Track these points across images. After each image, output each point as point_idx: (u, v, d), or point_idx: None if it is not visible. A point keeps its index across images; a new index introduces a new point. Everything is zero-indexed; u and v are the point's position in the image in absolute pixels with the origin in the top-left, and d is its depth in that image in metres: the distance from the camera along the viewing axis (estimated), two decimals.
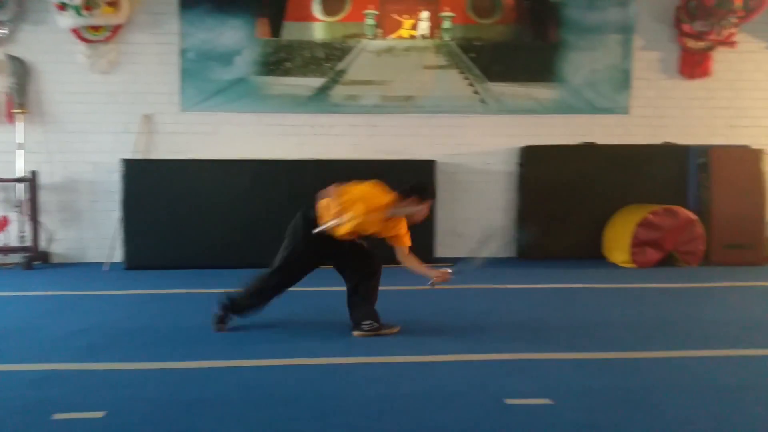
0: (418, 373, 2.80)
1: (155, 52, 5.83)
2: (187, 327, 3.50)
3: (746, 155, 5.82)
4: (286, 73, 5.88)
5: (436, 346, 3.17)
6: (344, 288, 3.48)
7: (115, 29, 5.66)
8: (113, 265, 5.44)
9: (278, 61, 5.86)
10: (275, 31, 5.84)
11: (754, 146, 5.85)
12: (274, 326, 3.54)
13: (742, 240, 5.67)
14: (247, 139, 5.92)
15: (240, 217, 5.46)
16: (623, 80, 5.95)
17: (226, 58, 5.80)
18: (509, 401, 2.45)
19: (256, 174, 5.47)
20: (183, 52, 5.79)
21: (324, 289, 4.32)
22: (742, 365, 2.91)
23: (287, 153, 5.87)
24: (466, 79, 5.92)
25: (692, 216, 5.45)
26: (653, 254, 5.43)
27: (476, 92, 5.95)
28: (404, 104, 5.96)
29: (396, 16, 5.89)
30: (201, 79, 5.80)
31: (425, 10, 5.88)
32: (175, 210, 5.41)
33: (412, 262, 3.40)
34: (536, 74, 5.95)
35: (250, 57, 5.83)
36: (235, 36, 5.79)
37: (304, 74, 5.89)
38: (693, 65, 5.95)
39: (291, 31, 5.86)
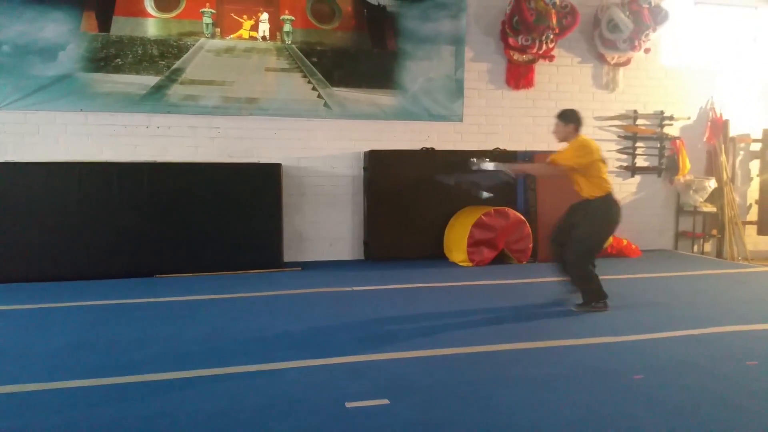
0: (260, 384, 3.04)
1: None
2: (6, 347, 3.68)
3: None
4: (117, 70, 6.24)
5: (277, 353, 3.50)
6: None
7: None
8: None
9: (108, 57, 6.21)
10: (104, 25, 6.22)
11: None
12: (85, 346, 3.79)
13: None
14: (73, 140, 6.25)
15: (64, 226, 5.73)
16: (457, 89, 7.07)
17: (48, 52, 6.08)
18: (349, 404, 2.75)
19: (83, 178, 5.76)
20: None
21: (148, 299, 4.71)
22: (562, 355, 3.51)
23: (119, 155, 6.23)
24: (309, 83, 6.64)
25: (521, 216, 6.58)
26: (488, 253, 6.48)
27: (320, 96, 6.69)
28: (247, 106, 6.53)
29: (235, 16, 6.43)
30: (18, 76, 6.03)
31: (265, 11, 6.53)
32: None
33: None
34: (377, 81, 6.92)
35: (75, 52, 6.16)
36: (58, 29, 6.09)
37: (137, 72, 6.28)
38: (518, 76, 7.21)
39: (121, 26, 6.27)
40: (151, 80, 6.35)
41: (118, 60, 6.27)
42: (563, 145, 4.81)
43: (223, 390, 2.96)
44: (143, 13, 6.30)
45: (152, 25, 6.35)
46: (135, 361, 3.39)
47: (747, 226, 8.15)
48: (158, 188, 5.95)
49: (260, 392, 2.92)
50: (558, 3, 6.92)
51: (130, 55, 6.29)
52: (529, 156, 7.04)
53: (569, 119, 4.67)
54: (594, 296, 4.60)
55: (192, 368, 3.25)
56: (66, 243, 5.70)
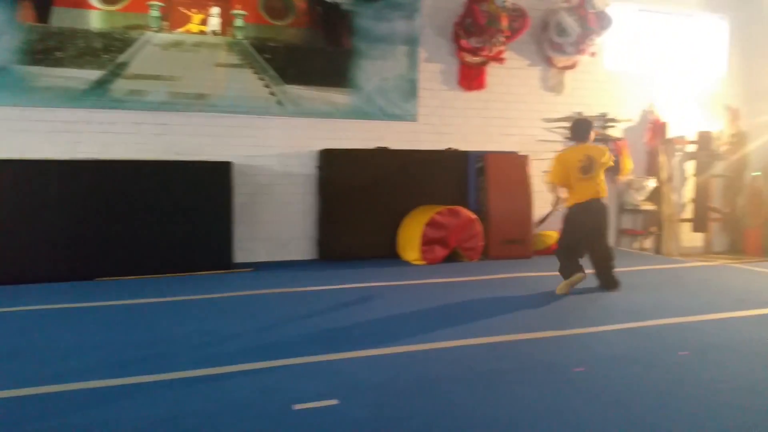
0: (206, 389, 2.98)
1: None
2: None
3: (516, 160, 7.32)
4: (57, 63, 6.01)
5: (224, 357, 3.44)
6: None
7: None
8: None
9: (46, 49, 5.98)
10: (42, 16, 5.96)
11: (522, 153, 7.34)
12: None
13: (515, 236, 7.08)
14: (9, 136, 5.96)
15: (1, 226, 5.46)
16: (411, 89, 7.18)
17: None
18: (297, 406, 2.73)
19: (19, 176, 5.51)
20: None
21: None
22: (508, 350, 3.60)
23: (59, 153, 6.02)
24: (262, 79, 6.57)
25: (472, 215, 6.77)
26: (440, 251, 6.61)
27: (272, 93, 6.62)
28: (196, 102, 6.42)
29: (184, 10, 6.30)
30: None
31: (215, 5, 6.44)
32: None
33: None
34: (331, 79, 6.93)
35: (11, 44, 5.88)
36: None
37: (79, 66, 6.06)
38: (470, 78, 7.38)
39: (62, 18, 6.02)
40: (94, 74, 6.11)
41: (59, 53, 6.00)
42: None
43: (167, 396, 2.89)
44: (86, 5, 6.05)
45: (96, 17, 6.10)
46: (73, 369, 3.26)
47: (683, 224, 8.64)
48: (101, 187, 5.74)
49: (206, 397, 2.87)
50: (509, 6, 7.10)
51: (72, 48, 6.04)
52: (480, 156, 7.21)
53: (569, 133, 5.39)
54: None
55: (134, 375, 3.16)
56: (1, 245, 5.43)
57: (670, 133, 8.44)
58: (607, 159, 5.16)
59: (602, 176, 5.15)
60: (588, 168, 5.07)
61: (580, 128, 5.25)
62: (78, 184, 5.66)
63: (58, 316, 4.41)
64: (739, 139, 8.63)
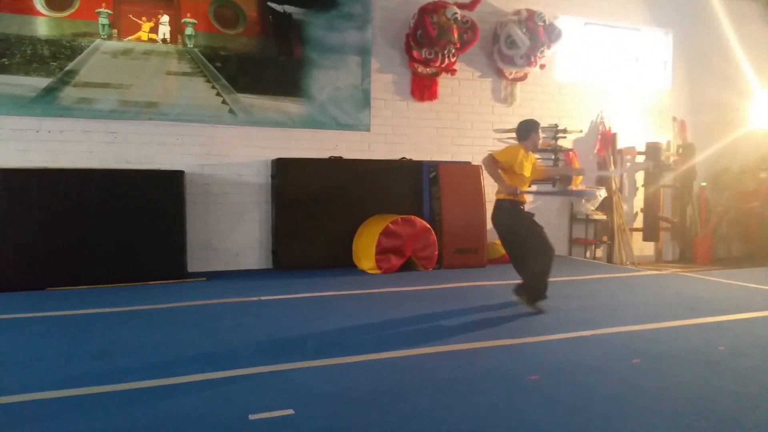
0: (159, 399, 2.97)
1: None
2: None
3: (468, 170, 7.48)
4: (4, 70, 6.03)
5: (177, 368, 3.42)
6: None
7: None
8: None
9: None
10: None
11: (475, 163, 7.52)
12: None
13: (468, 245, 7.20)
14: None
15: None
16: (364, 99, 7.33)
17: None
18: (253, 417, 2.73)
19: None
20: None
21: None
22: (464, 359, 3.67)
23: (6, 161, 6.01)
24: (213, 88, 6.64)
25: (427, 224, 6.83)
26: (396, 260, 6.70)
27: (225, 102, 6.69)
28: (146, 110, 6.45)
29: (133, 18, 6.34)
30: None
31: (165, 13, 6.48)
32: None
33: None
34: (284, 88, 7.03)
35: None
36: None
37: (26, 73, 6.06)
38: (422, 89, 7.57)
39: (7, 24, 6.02)
40: (42, 82, 6.11)
41: (4, 59, 5.98)
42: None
43: (119, 408, 2.87)
44: (32, 11, 6.05)
45: (43, 24, 6.11)
46: (21, 381, 3.24)
47: (634, 233, 8.92)
48: (50, 196, 5.72)
49: (158, 408, 2.86)
50: (459, 18, 7.32)
51: (18, 55, 6.03)
52: (434, 166, 7.36)
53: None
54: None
55: (84, 386, 3.14)
56: None
57: (620, 143, 8.75)
58: (517, 163, 4.87)
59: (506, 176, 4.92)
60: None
61: (519, 128, 5.11)
62: (27, 192, 5.62)
63: (7, 327, 4.37)
64: (686, 150, 8.98)
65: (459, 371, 3.44)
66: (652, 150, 8.71)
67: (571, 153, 8.43)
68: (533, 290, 4.88)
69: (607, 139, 8.67)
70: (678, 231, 9.09)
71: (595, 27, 8.76)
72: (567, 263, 7.87)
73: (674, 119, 9.13)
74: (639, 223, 9.01)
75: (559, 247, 8.45)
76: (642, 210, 8.97)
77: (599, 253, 8.79)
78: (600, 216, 8.45)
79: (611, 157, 8.64)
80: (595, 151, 8.69)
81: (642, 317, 4.80)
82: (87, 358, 3.66)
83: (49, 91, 6.15)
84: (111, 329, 4.33)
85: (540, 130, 5.11)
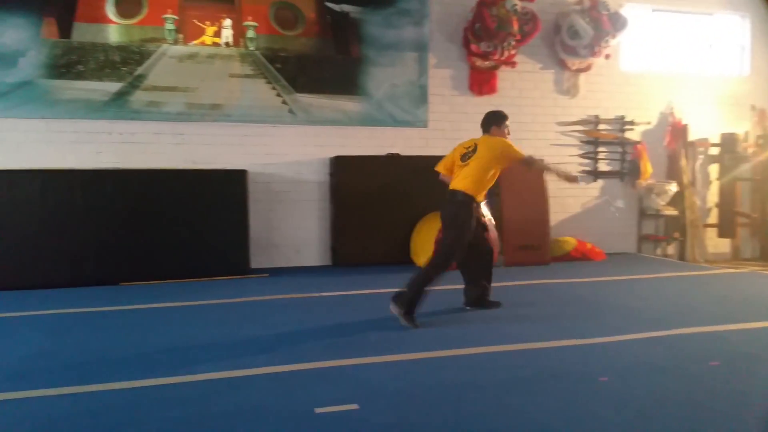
0: (228, 391, 3.10)
1: None
2: None
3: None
4: (79, 76, 6.39)
5: (245, 360, 3.57)
6: None
7: None
8: None
9: (69, 63, 6.37)
10: (64, 31, 6.36)
11: (536, 157, 7.42)
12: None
13: (531, 241, 7.16)
14: (35, 147, 6.37)
15: (26, 234, 5.82)
16: (421, 95, 7.38)
17: (8, 59, 6.22)
18: (318, 410, 2.81)
19: (45, 185, 5.87)
20: None
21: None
22: (529, 359, 3.62)
23: (82, 162, 6.38)
24: (274, 89, 6.89)
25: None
26: None
27: (284, 102, 6.93)
28: (211, 112, 6.74)
29: (198, 22, 6.66)
30: None
31: (228, 17, 6.75)
32: None
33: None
34: (341, 87, 7.19)
35: (36, 59, 6.30)
36: (17, 36, 6.23)
37: (99, 78, 6.44)
38: (481, 82, 7.56)
39: (82, 33, 6.43)
40: (114, 87, 6.51)
41: (80, 66, 6.41)
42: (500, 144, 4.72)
43: (191, 397, 3.02)
44: (105, 19, 6.46)
45: (114, 31, 6.51)
46: (101, 370, 3.45)
47: (708, 229, 8.58)
48: (122, 195, 6.10)
49: (228, 399, 2.98)
50: (519, 10, 7.27)
51: (92, 62, 6.45)
52: None
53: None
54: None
55: (159, 376, 3.31)
56: (29, 251, 5.79)
57: (692, 135, 8.44)
58: (500, 153, 4.53)
59: (477, 169, 4.47)
60: (466, 156, 4.58)
61: (485, 119, 4.86)
62: (100, 192, 6.01)
63: (85, 319, 4.70)
64: (766, 141, 8.56)
65: (524, 371, 3.41)
66: (728, 141, 8.36)
67: (639, 146, 8.21)
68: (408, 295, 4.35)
69: (678, 131, 8.37)
70: (758, 227, 8.66)
71: (664, 13, 8.47)
72: (635, 261, 7.70)
73: (753, 108, 8.71)
74: (713, 218, 8.65)
75: (628, 243, 8.31)
76: (717, 205, 8.61)
77: (670, 250, 8.51)
78: (671, 211, 8.19)
79: (683, 150, 8.34)
80: (665, 144, 8.42)
81: (719, 317, 4.62)
82: (160, 349, 3.89)
83: (121, 95, 6.54)
84: (181, 323, 4.59)
85: None
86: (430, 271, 4.42)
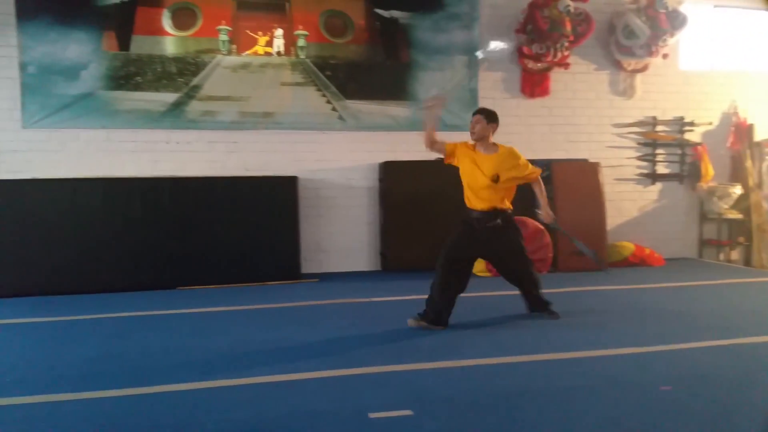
0: (283, 394, 3.18)
1: None
2: (36, 359, 3.91)
3: (585, 168, 7.30)
4: (137, 87, 6.64)
5: (298, 364, 3.65)
6: None
7: None
8: None
9: (128, 75, 6.61)
10: (123, 44, 6.62)
11: (591, 160, 7.31)
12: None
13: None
14: (97, 156, 6.65)
15: (88, 240, 6.09)
16: (471, 99, 7.34)
17: (71, 72, 6.50)
18: (372, 415, 2.84)
19: (106, 193, 6.14)
20: (22, 66, 6.37)
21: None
22: (586, 367, 3.58)
23: (140, 170, 6.63)
24: (324, 96, 6.99)
25: (540, 226, 6.73)
26: None
27: (334, 109, 7.02)
28: (263, 120, 6.88)
29: (250, 33, 6.82)
30: (44, 94, 6.45)
31: (279, 27, 6.89)
32: (15, 233, 5.93)
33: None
34: (390, 93, 7.23)
35: (97, 71, 6.57)
36: (80, 49, 6.50)
37: (157, 89, 6.66)
38: (533, 85, 7.46)
39: (140, 45, 6.66)
40: (171, 97, 6.74)
41: (138, 78, 6.68)
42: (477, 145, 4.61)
43: (247, 400, 3.11)
44: (161, 32, 6.70)
45: (170, 43, 6.75)
46: (161, 372, 3.58)
47: None
48: (179, 202, 6.31)
49: (283, 402, 3.05)
50: (572, 10, 7.15)
51: (150, 73, 6.70)
52: (547, 165, 7.23)
53: (494, 119, 4.52)
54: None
55: (216, 378, 3.42)
56: (91, 257, 6.05)
57: (758, 135, 8.10)
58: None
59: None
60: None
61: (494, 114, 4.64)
62: (158, 200, 6.23)
63: (145, 323, 4.88)
64: None
65: (581, 379, 3.37)
66: None
67: (699, 147, 7.94)
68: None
69: (742, 131, 8.05)
70: None
71: (727, 9, 8.17)
72: (697, 266, 7.45)
73: None
74: None
75: (688, 248, 8.04)
76: None
77: (734, 255, 8.18)
78: (735, 215, 7.88)
79: (747, 151, 8.02)
80: (728, 145, 8.11)
81: None
82: (217, 352, 4.01)
83: (177, 105, 6.77)
84: (235, 326, 4.71)
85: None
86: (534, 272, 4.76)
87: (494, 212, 4.46)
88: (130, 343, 4.27)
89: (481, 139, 4.51)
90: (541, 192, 4.72)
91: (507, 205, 4.57)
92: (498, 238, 4.52)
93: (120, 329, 4.66)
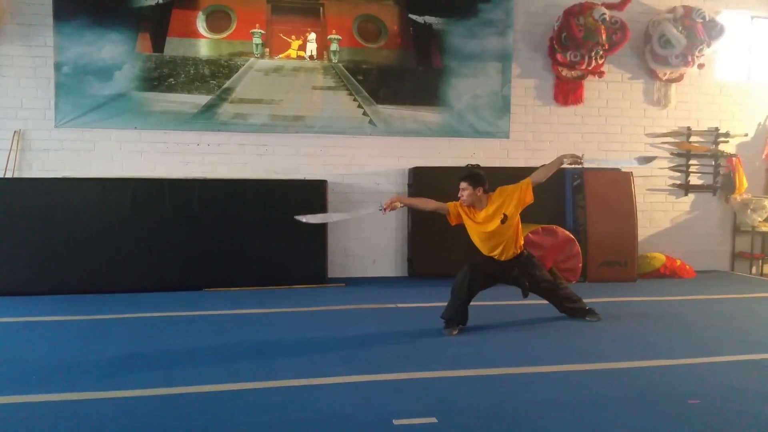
0: (308, 398, 3.20)
1: (28, 65, 6.51)
2: (62, 357, 3.96)
3: (617, 177, 7.27)
4: (170, 89, 6.71)
5: (324, 368, 3.66)
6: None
7: None
8: None
9: (161, 76, 6.69)
10: (158, 46, 6.68)
11: (624, 169, 7.31)
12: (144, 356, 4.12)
13: (617, 257, 7.02)
14: (128, 156, 6.71)
15: (119, 239, 6.15)
16: (503, 106, 7.34)
17: (104, 72, 6.58)
18: (397, 422, 2.85)
19: (136, 193, 6.19)
20: (57, 66, 6.46)
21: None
22: (614, 378, 3.57)
23: (171, 171, 6.70)
24: (355, 101, 7.03)
25: (570, 235, 6.74)
26: None
27: (365, 114, 7.06)
28: (294, 124, 6.94)
29: (283, 36, 6.89)
30: (77, 94, 6.53)
31: (312, 31, 6.93)
32: (48, 232, 6.00)
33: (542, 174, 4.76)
34: (422, 98, 7.23)
35: (130, 72, 6.64)
36: (114, 50, 6.58)
37: (189, 91, 6.73)
38: (566, 93, 7.46)
39: (174, 47, 6.72)
40: (203, 99, 6.81)
41: (171, 80, 6.75)
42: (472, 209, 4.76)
43: (272, 403, 3.12)
44: (195, 34, 6.77)
45: (204, 46, 6.81)
46: (186, 372, 3.61)
47: None
48: (208, 204, 6.37)
49: (307, 406, 3.07)
50: (607, 19, 7.13)
51: (183, 75, 6.78)
52: (579, 173, 7.25)
53: (480, 182, 4.60)
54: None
55: (241, 380, 3.45)
56: (120, 256, 6.11)
57: None
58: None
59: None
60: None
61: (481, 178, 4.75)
62: (188, 201, 6.27)
63: (172, 323, 4.91)
64: None
65: (609, 390, 3.37)
66: None
67: (734, 159, 7.90)
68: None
69: None
70: None
71: (764, 20, 8.12)
72: (729, 279, 7.38)
73: None
74: None
75: (721, 261, 7.99)
76: None
77: (767, 269, 8.13)
78: None
79: None
80: (763, 157, 8.05)
81: None
82: (243, 354, 4.03)
83: (209, 108, 6.84)
84: (262, 329, 4.72)
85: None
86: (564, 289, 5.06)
87: (514, 259, 4.72)
88: (156, 343, 4.31)
89: (472, 204, 4.66)
90: (545, 168, 4.85)
91: (520, 243, 4.75)
92: (522, 276, 4.78)
93: (146, 329, 4.70)
